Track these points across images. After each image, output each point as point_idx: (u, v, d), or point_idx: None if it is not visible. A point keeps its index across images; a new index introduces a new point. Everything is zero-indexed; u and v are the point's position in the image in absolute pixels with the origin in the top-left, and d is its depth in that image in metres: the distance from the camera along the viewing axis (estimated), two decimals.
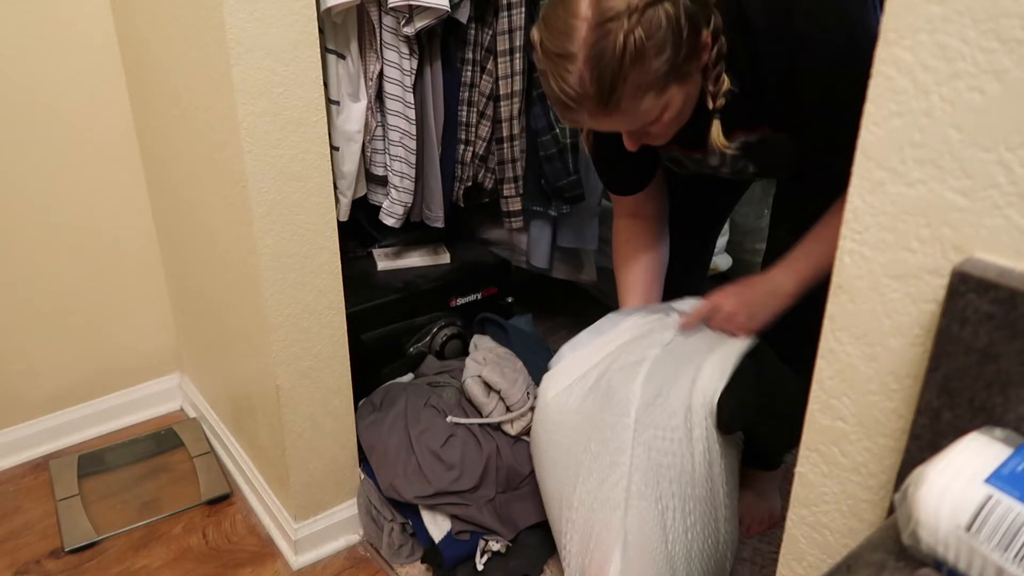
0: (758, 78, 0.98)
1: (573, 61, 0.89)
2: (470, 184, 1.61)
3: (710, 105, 0.97)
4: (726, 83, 0.96)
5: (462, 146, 1.57)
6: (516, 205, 1.62)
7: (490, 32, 1.48)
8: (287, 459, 1.34)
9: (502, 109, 1.52)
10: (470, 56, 1.50)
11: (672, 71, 0.90)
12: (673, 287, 1.51)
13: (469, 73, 1.52)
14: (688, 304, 1.22)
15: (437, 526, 1.35)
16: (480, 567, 1.32)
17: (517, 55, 1.47)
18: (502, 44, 1.47)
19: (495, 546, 1.33)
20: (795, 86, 0.98)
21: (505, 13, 1.44)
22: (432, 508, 1.36)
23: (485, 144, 1.56)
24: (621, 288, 1.37)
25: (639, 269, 1.34)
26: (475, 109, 1.54)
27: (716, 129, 0.99)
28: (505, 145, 1.56)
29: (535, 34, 0.95)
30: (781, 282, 1.10)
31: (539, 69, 0.96)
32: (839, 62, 0.94)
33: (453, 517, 1.35)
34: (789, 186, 1.35)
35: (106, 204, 1.66)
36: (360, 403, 1.53)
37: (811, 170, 1.19)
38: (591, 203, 1.71)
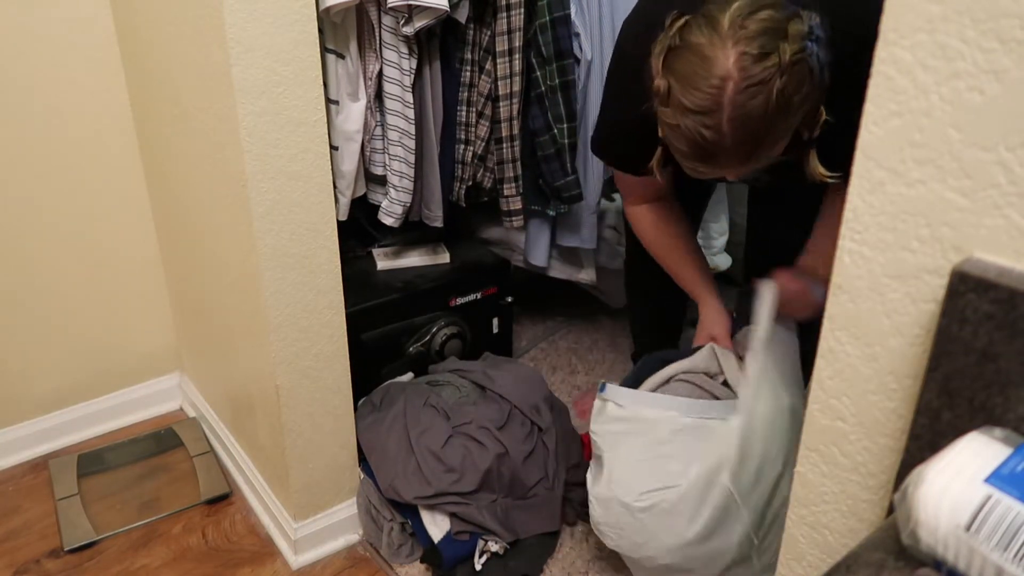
0: (844, 108, 0.96)
1: (714, 116, 0.87)
2: (470, 184, 1.61)
3: (805, 136, 0.95)
4: (823, 114, 0.94)
5: (462, 146, 1.57)
6: (516, 204, 1.62)
7: (489, 32, 1.48)
8: (287, 459, 1.34)
9: (501, 109, 1.52)
10: (469, 56, 1.50)
11: (806, 115, 0.90)
12: (662, 281, 1.53)
13: (468, 73, 1.52)
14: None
15: (436, 526, 1.35)
16: (479, 567, 1.32)
17: (516, 56, 1.47)
18: (501, 45, 1.47)
19: (494, 547, 1.33)
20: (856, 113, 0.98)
21: (504, 14, 1.44)
22: (432, 508, 1.36)
23: (484, 144, 1.56)
24: (685, 282, 1.35)
25: (691, 256, 1.33)
26: (474, 109, 1.54)
27: (814, 159, 0.97)
28: (504, 145, 1.56)
29: (662, 84, 0.91)
30: (815, 265, 1.11)
31: (667, 122, 0.93)
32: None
33: (452, 516, 1.35)
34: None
35: (106, 204, 1.66)
36: (359, 403, 1.53)
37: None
38: (590, 202, 1.71)
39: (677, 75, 0.89)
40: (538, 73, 1.52)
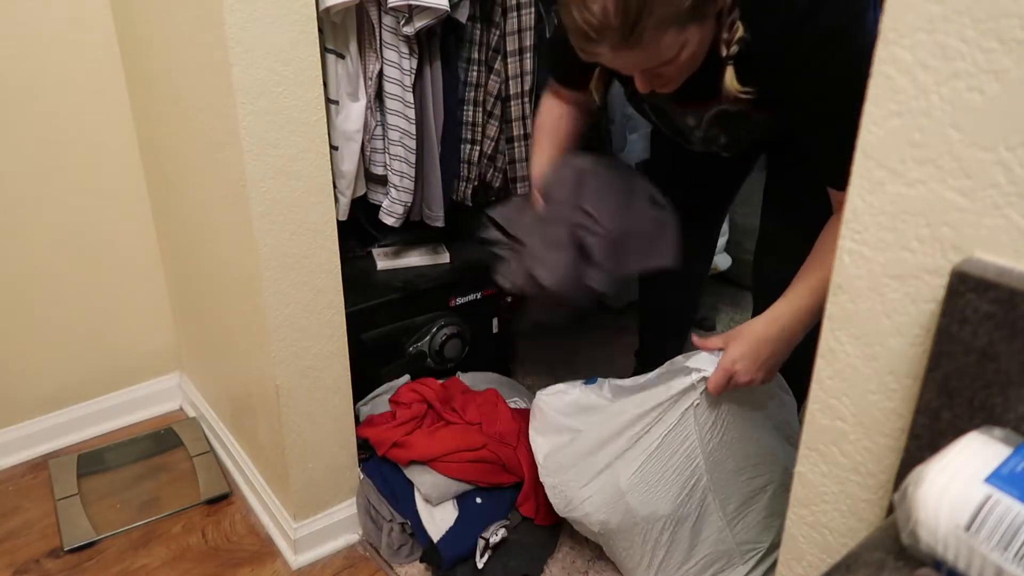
0: (760, 40, 0.97)
1: None
2: (476, 183, 1.61)
3: (723, 52, 0.96)
4: (740, 30, 0.94)
5: (468, 145, 1.57)
6: None
7: (497, 32, 1.48)
8: (286, 458, 1.34)
9: (512, 108, 1.53)
10: (476, 56, 1.50)
11: (694, 8, 0.90)
12: (681, 273, 1.54)
13: (475, 73, 1.52)
14: (701, 361, 1.19)
15: (435, 525, 1.35)
16: (480, 565, 1.32)
17: (527, 54, 1.48)
18: (511, 44, 1.47)
19: (495, 539, 1.33)
20: (798, 54, 0.97)
21: (514, 13, 1.45)
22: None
23: (493, 143, 1.56)
24: (538, 147, 1.34)
25: (551, 140, 1.32)
26: (482, 109, 1.54)
27: (730, 74, 0.98)
28: (516, 144, 1.56)
29: None
30: (789, 326, 1.09)
31: (560, 1, 0.94)
32: (841, 44, 0.94)
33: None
34: (779, 177, 1.36)
35: (106, 203, 1.66)
36: None
37: (789, 155, 1.19)
38: None
39: None
40: None
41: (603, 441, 1.23)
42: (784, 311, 1.09)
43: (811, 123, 1.04)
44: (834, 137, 0.94)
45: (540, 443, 1.32)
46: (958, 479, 0.44)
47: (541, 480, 1.31)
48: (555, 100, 1.33)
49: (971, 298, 0.48)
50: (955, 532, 0.43)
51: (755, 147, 1.33)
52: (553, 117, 1.33)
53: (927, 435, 0.53)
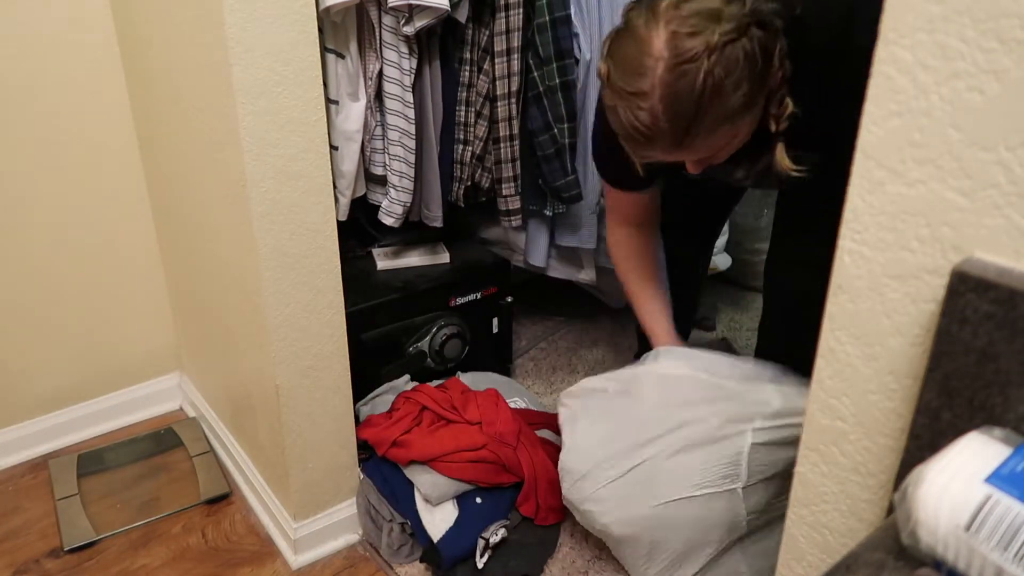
0: (822, 99, 0.96)
1: (647, 99, 0.88)
2: (468, 184, 1.61)
3: (772, 128, 0.96)
4: (790, 106, 0.94)
5: (460, 146, 1.57)
6: (515, 204, 1.62)
7: (487, 32, 1.48)
8: (286, 458, 1.34)
9: (499, 109, 1.52)
10: (468, 56, 1.50)
11: (747, 103, 0.90)
12: (673, 285, 1.53)
13: (467, 73, 1.52)
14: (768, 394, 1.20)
15: (435, 525, 1.35)
16: (480, 565, 1.32)
17: (515, 55, 1.47)
18: (499, 44, 1.47)
19: (495, 539, 1.33)
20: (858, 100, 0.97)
21: (502, 14, 1.44)
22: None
23: (482, 144, 1.56)
24: (644, 315, 1.38)
25: (657, 291, 1.35)
26: (472, 109, 1.54)
27: (780, 152, 0.98)
28: (502, 145, 1.56)
29: (602, 68, 0.93)
30: None
31: (606, 104, 0.94)
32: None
33: None
34: (796, 204, 1.34)
35: (106, 203, 1.66)
36: None
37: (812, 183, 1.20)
38: (589, 202, 1.71)
39: (615, 57, 0.90)
40: (535, 74, 1.52)
41: (636, 443, 1.21)
42: None
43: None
44: None
45: (569, 430, 1.30)
46: (958, 479, 0.44)
47: (560, 461, 1.29)
48: (623, 234, 1.33)
49: (971, 298, 0.48)
50: (955, 532, 0.43)
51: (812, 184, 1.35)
52: (637, 266, 1.35)
53: (927, 435, 0.53)
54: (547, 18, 1.47)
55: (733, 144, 0.96)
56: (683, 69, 0.85)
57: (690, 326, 1.74)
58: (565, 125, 1.55)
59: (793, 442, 1.15)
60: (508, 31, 1.45)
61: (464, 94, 1.53)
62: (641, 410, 1.24)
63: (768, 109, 0.95)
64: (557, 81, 1.52)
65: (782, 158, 0.98)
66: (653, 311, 1.38)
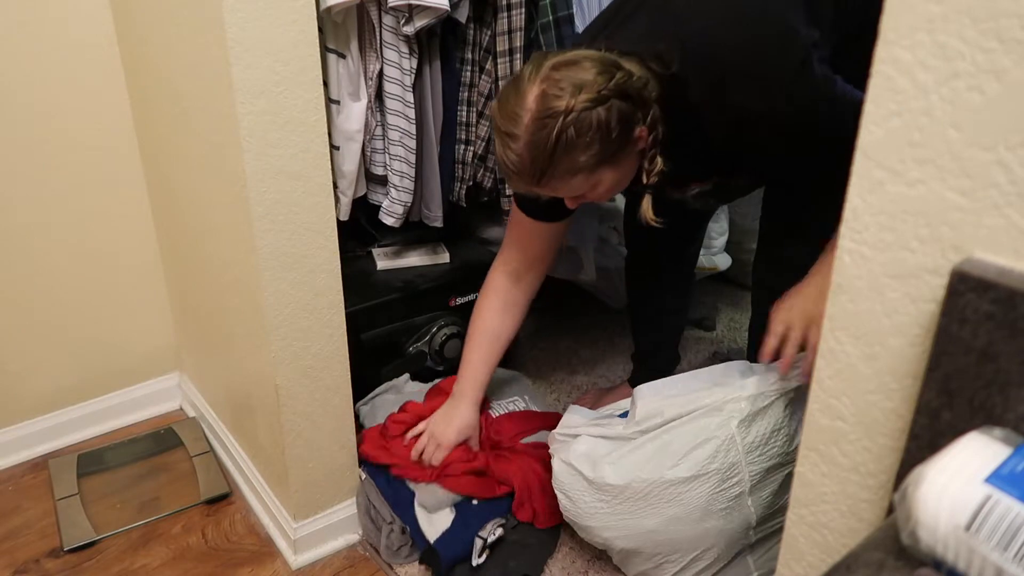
0: (705, 142, 1.11)
1: (516, 141, 1.02)
2: (470, 184, 1.61)
3: (644, 180, 1.09)
4: (659, 164, 1.07)
5: (462, 146, 1.57)
6: None
7: (489, 32, 1.48)
8: (286, 458, 1.34)
9: None
10: (469, 56, 1.50)
11: (601, 161, 1.03)
12: (668, 277, 1.54)
13: (468, 73, 1.52)
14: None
15: (432, 527, 1.35)
16: (476, 564, 1.32)
17: (517, 56, 1.47)
18: (501, 45, 1.47)
19: (492, 537, 1.33)
20: (744, 143, 1.11)
21: (504, 14, 1.44)
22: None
23: (484, 144, 1.56)
24: (466, 368, 1.44)
25: (488, 355, 1.44)
26: (474, 109, 1.54)
27: (646, 203, 1.10)
28: None
29: (493, 106, 1.08)
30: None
31: (494, 134, 1.08)
32: (777, 121, 1.06)
33: None
34: (778, 192, 1.36)
35: (105, 203, 1.66)
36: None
37: (791, 178, 1.23)
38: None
39: (502, 100, 1.06)
40: None
41: (632, 462, 1.21)
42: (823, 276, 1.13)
43: (766, 153, 1.17)
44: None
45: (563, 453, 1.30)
46: (958, 479, 0.44)
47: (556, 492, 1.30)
48: (498, 277, 1.44)
49: (971, 298, 0.48)
50: (955, 532, 0.43)
51: (750, 191, 1.47)
52: (487, 323, 1.44)
53: (927, 435, 0.53)
54: (550, 17, 1.47)
55: (601, 192, 1.09)
56: (543, 122, 0.99)
57: (683, 327, 1.75)
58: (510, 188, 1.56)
59: (771, 405, 1.17)
60: (510, 31, 1.46)
61: (466, 94, 1.53)
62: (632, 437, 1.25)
63: (642, 164, 1.09)
64: None
65: (646, 209, 1.10)
66: (471, 368, 1.44)
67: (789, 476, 1.24)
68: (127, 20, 1.49)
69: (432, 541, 1.33)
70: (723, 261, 2.22)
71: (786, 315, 1.12)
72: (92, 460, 1.68)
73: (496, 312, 1.42)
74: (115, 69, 1.59)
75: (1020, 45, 0.45)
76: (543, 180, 1.05)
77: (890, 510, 0.56)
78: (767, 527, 1.24)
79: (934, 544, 0.44)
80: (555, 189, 1.08)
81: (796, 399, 1.18)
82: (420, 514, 1.37)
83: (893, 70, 0.51)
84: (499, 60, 1.48)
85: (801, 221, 1.29)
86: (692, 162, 1.15)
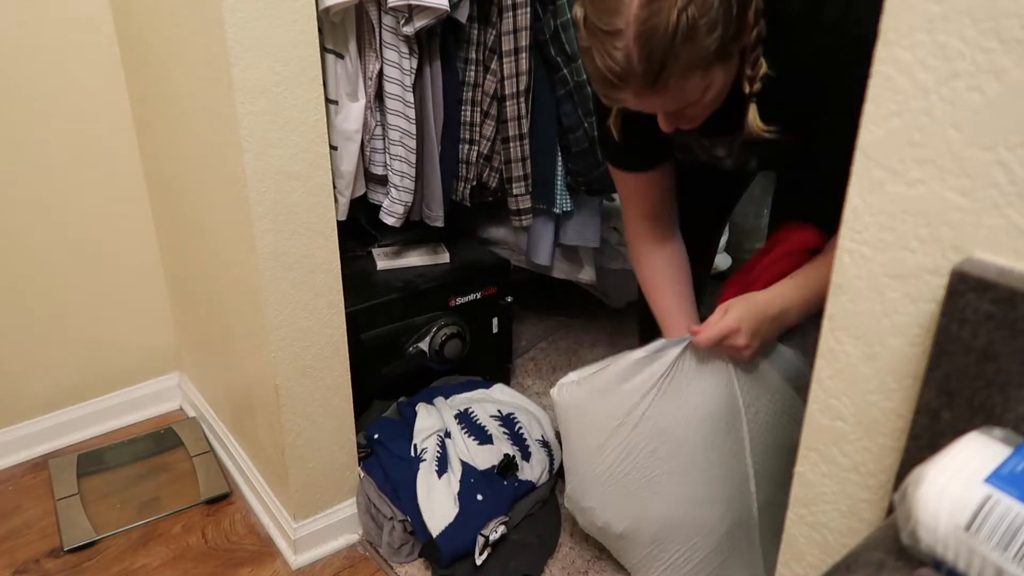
0: (785, 68, 0.95)
1: (621, 38, 0.86)
2: (475, 183, 1.61)
3: (746, 89, 0.95)
4: (763, 67, 0.93)
5: (467, 145, 1.57)
6: (525, 203, 1.62)
7: (494, 32, 1.48)
8: (286, 458, 1.34)
9: (507, 108, 1.52)
10: (473, 56, 1.50)
11: (720, 50, 0.88)
12: None
13: (472, 73, 1.52)
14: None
15: (435, 520, 1.35)
16: (479, 562, 1.32)
17: (523, 54, 1.47)
18: (507, 44, 1.47)
19: (494, 536, 1.33)
20: (821, 79, 0.96)
21: (510, 13, 1.45)
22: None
23: (490, 143, 1.56)
24: (660, 312, 1.34)
25: (675, 289, 1.33)
26: (479, 109, 1.54)
27: (753, 113, 0.97)
28: (512, 144, 1.56)
29: (578, 10, 0.92)
30: (789, 309, 1.08)
31: (581, 47, 0.93)
32: (864, 60, 0.94)
33: None
34: (788, 187, 1.35)
35: (106, 203, 1.66)
36: None
37: (809, 167, 1.20)
38: (593, 201, 1.71)
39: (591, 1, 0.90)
40: (564, 71, 1.52)
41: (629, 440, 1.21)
42: (790, 295, 1.08)
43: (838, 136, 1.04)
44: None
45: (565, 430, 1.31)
46: (958, 479, 0.44)
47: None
48: (640, 228, 1.29)
49: (971, 298, 0.48)
50: (955, 532, 0.43)
51: (791, 165, 1.30)
52: (655, 266, 1.32)
53: (927, 435, 0.53)
54: (570, 15, 1.48)
55: (706, 101, 0.95)
56: (657, 6, 0.83)
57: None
58: (595, 118, 1.55)
59: (769, 357, 1.15)
60: (516, 30, 1.46)
61: (470, 94, 1.53)
62: (623, 401, 1.25)
63: (742, 69, 0.94)
64: (585, 76, 1.52)
65: (754, 119, 0.97)
66: (669, 321, 1.35)
67: (790, 469, 1.24)
68: (127, 20, 1.49)
69: (435, 535, 1.33)
70: (723, 261, 2.22)
71: (742, 312, 1.09)
72: (92, 460, 1.68)
73: (651, 256, 1.31)
74: (115, 69, 1.59)
75: (1020, 45, 0.45)
76: (660, 80, 0.88)
77: (890, 510, 0.56)
78: (769, 509, 1.24)
79: (934, 544, 0.44)
80: (669, 92, 0.91)
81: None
82: (423, 505, 1.37)
83: (893, 70, 0.51)
84: (505, 59, 1.48)
85: (806, 215, 1.28)
86: (764, 95, 0.99)
